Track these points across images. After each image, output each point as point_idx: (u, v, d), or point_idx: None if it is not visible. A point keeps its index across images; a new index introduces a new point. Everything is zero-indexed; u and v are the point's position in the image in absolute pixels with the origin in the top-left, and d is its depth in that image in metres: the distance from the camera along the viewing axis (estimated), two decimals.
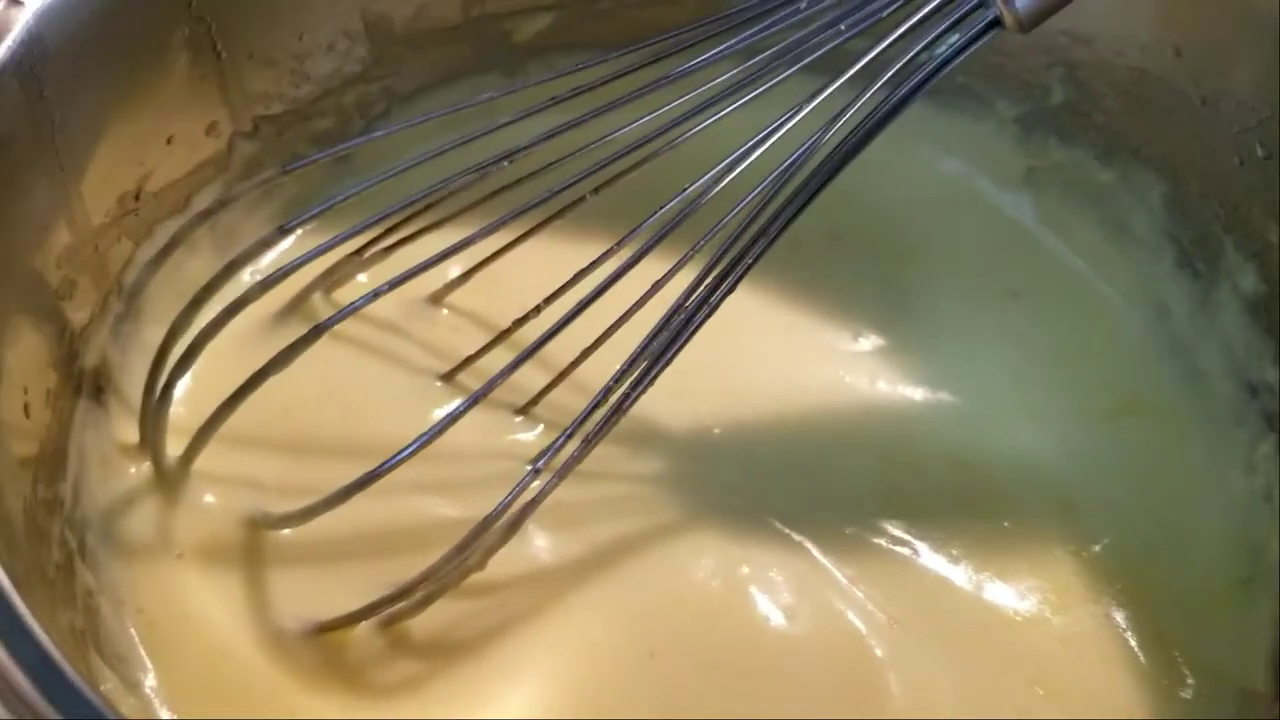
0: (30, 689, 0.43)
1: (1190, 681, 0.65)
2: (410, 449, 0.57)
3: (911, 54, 0.59)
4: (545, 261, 0.68)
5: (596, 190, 0.67)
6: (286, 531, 0.63)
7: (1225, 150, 0.70)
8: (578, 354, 0.67)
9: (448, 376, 0.71)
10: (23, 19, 0.54)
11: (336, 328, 0.70)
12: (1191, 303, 0.75)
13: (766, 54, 0.63)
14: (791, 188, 0.60)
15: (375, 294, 0.61)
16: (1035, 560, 0.68)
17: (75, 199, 0.60)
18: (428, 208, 0.68)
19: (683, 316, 0.60)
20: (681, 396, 0.70)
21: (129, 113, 0.62)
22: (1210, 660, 0.65)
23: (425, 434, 0.58)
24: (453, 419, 0.58)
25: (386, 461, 0.58)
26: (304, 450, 0.67)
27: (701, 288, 0.61)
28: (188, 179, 0.68)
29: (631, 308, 0.65)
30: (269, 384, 0.61)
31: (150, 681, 0.59)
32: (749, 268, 0.61)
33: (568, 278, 0.67)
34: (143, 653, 0.60)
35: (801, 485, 0.70)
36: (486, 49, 0.79)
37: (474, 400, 0.59)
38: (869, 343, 0.76)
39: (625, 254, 0.64)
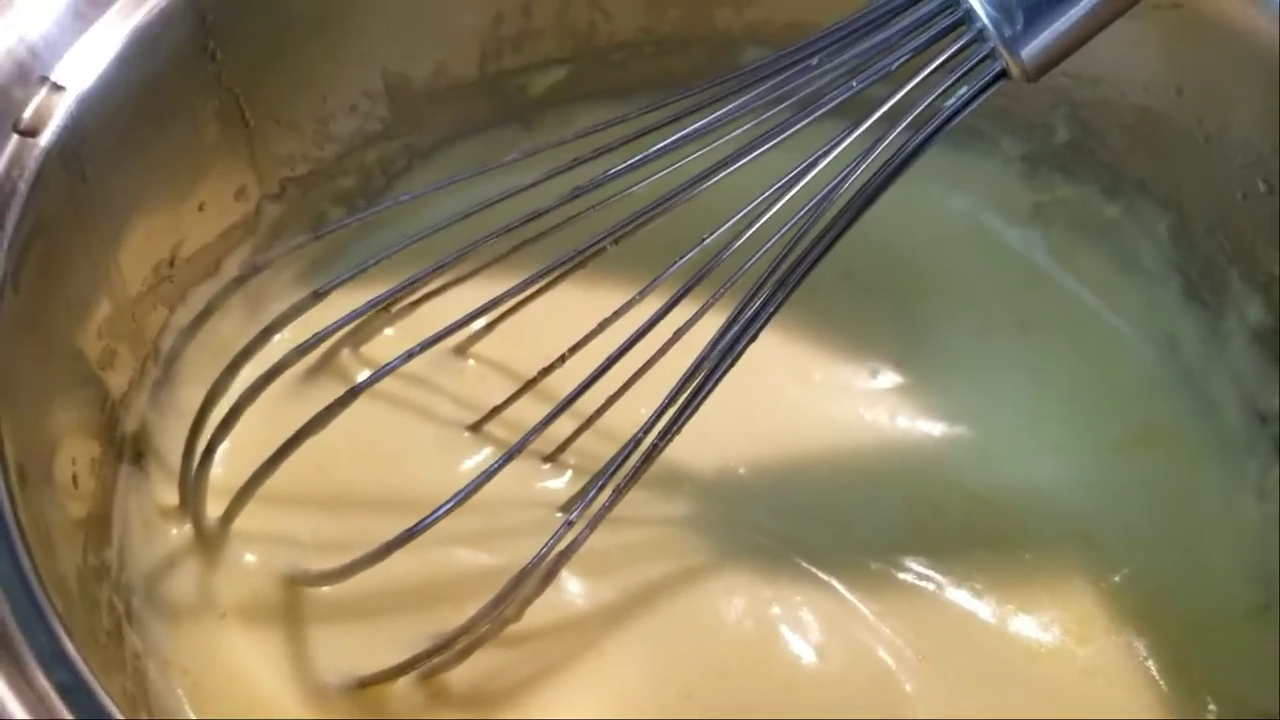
0: None
1: (1212, 707, 0.66)
2: (448, 505, 0.59)
3: (922, 106, 0.60)
4: (567, 310, 0.69)
5: (617, 240, 0.69)
6: (326, 589, 0.65)
7: (1228, 185, 0.72)
8: (603, 401, 0.68)
9: (475, 427, 0.72)
10: (64, 105, 0.56)
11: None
12: (1200, 333, 0.76)
13: (780, 108, 0.65)
14: (811, 236, 0.61)
15: (409, 355, 0.62)
16: (1057, 592, 0.70)
17: (114, 271, 0.61)
18: (452, 265, 0.69)
19: (709, 365, 0.62)
20: (706, 439, 0.71)
21: (164, 184, 0.64)
22: (1231, 686, 0.67)
23: (462, 490, 0.59)
24: (489, 475, 0.60)
25: (425, 519, 0.59)
26: (339, 506, 0.68)
27: (727, 336, 0.62)
28: (218, 243, 0.70)
29: (655, 355, 0.66)
30: None
31: None
32: (771, 316, 0.62)
33: (590, 325, 0.68)
34: (190, 712, 0.61)
35: (826, 523, 0.71)
36: (504, 103, 0.80)
37: (510, 456, 0.60)
38: (887, 379, 0.77)
39: (648, 303, 0.65)
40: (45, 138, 0.54)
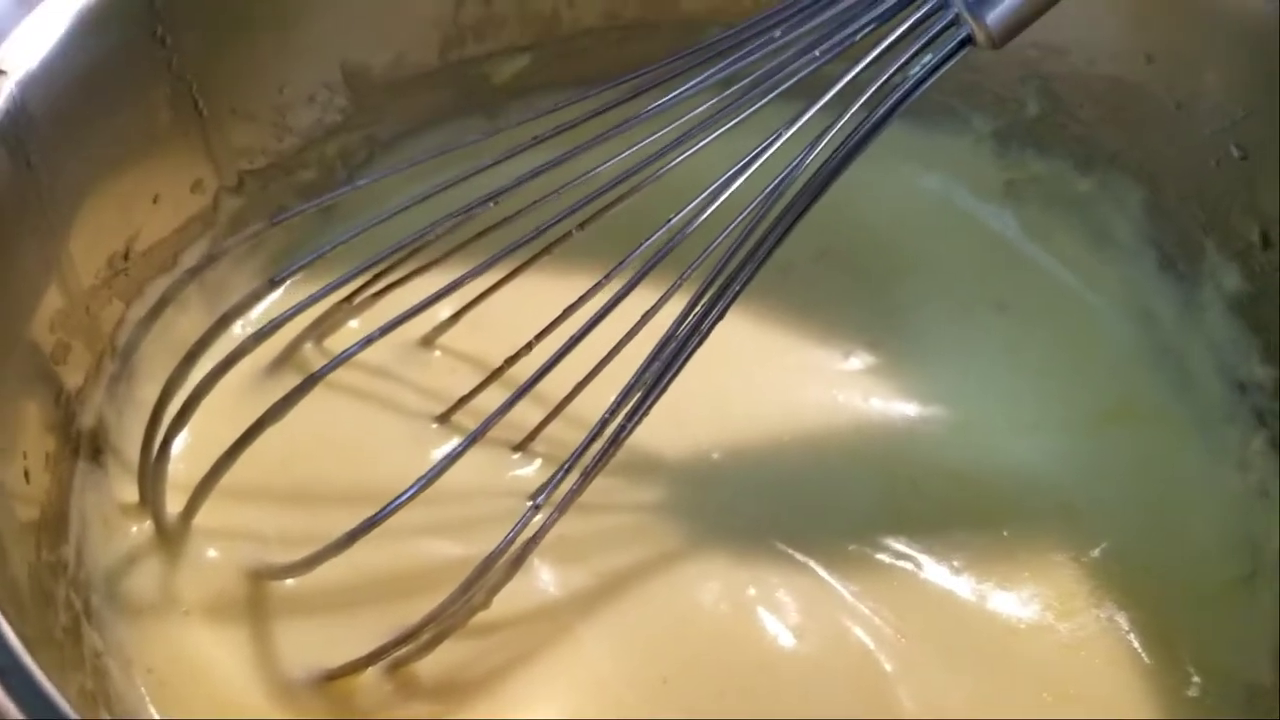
0: None
1: (1196, 680, 0.65)
2: (410, 492, 0.58)
3: (886, 75, 0.59)
4: (535, 298, 0.68)
5: (582, 226, 0.68)
6: (291, 582, 0.63)
7: (1201, 153, 0.71)
8: (571, 388, 0.68)
9: (443, 418, 0.71)
10: (6, 88, 0.54)
11: (330, 376, 0.71)
12: (1176, 305, 0.75)
13: (743, 83, 0.64)
14: (775, 213, 0.60)
15: (368, 340, 0.61)
16: (1037, 568, 0.69)
17: (66, 262, 0.60)
18: (415, 252, 0.68)
19: (674, 346, 0.61)
20: (678, 424, 0.71)
21: (115, 174, 0.63)
22: (1215, 658, 0.66)
23: (424, 476, 0.58)
24: (451, 460, 0.59)
25: (387, 506, 0.58)
26: (304, 500, 0.67)
27: (691, 316, 0.61)
28: (175, 237, 0.69)
29: (622, 339, 0.66)
30: (266, 435, 0.62)
31: None
32: (737, 294, 0.61)
33: (557, 313, 0.67)
34: (154, 711, 0.60)
35: (802, 505, 0.70)
36: (467, 92, 0.79)
37: (472, 440, 0.59)
38: (860, 361, 0.77)
39: (614, 287, 0.64)
40: None
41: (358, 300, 0.70)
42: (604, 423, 0.60)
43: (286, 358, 0.71)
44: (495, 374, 0.70)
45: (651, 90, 0.63)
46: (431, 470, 0.58)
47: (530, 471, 0.70)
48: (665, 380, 0.61)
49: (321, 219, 0.74)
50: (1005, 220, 0.82)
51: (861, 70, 0.60)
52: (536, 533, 0.59)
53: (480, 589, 0.59)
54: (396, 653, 0.60)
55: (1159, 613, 0.67)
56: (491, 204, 0.66)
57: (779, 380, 0.75)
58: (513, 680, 0.62)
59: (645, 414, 0.61)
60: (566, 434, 0.68)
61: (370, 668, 0.61)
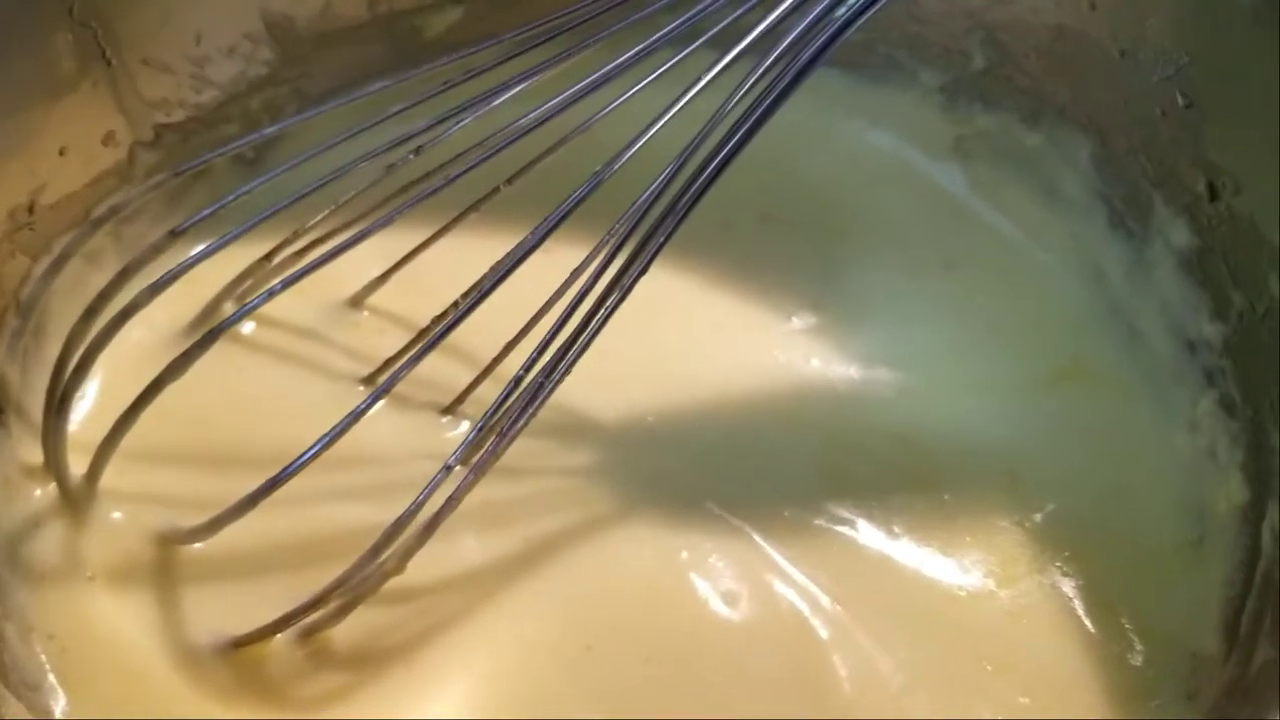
0: None
1: (1140, 648, 0.63)
2: (312, 450, 0.56)
3: (808, 20, 0.57)
4: (466, 259, 0.66)
5: (510, 181, 0.66)
6: (200, 547, 0.61)
7: (1147, 102, 0.69)
8: (500, 349, 0.66)
9: (370, 379, 0.69)
10: None
11: (253, 335, 0.70)
12: (1126, 263, 0.74)
13: (668, 29, 0.62)
14: (695, 164, 0.58)
15: (270, 293, 0.59)
16: (979, 533, 0.67)
17: None
18: (336, 209, 0.66)
19: (594, 302, 0.59)
20: (613, 385, 0.69)
21: (12, 123, 0.60)
22: (1160, 625, 0.64)
23: (330, 431, 0.56)
24: (357, 415, 0.57)
25: (289, 465, 0.56)
26: (220, 462, 0.65)
27: (611, 271, 0.59)
28: (87, 191, 0.67)
29: (551, 297, 0.64)
30: (181, 396, 0.60)
31: (62, 709, 0.57)
32: (660, 246, 0.59)
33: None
34: (54, 680, 0.58)
35: (739, 468, 0.68)
36: (397, 46, 0.77)
37: (380, 393, 0.57)
38: (803, 321, 0.75)
39: (534, 242, 0.62)
40: None
41: (278, 259, 0.68)
42: (518, 380, 0.58)
43: (205, 318, 0.69)
44: (422, 334, 0.68)
45: (565, 35, 0.60)
46: (336, 426, 0.56)
47: (458, 434, 0.68)
48: (585, 336, 0.59)
49: (246, 174, 0.72)
50: (953, 177, 0.80)
51: (786, 14, 0.58)
52: (452, 495, 0.57)
53: (394, 553, 0.57)
54: (306, 619, 0.58)
55: (1103, 579, 0.66)
56: (412, 155, 0.64)
57: (718, 341, 0.74)
58: (430, 648, 0.61)
59: (566, 372, 0.59)
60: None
61: (280, 635, 0.59)
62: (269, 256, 0.68)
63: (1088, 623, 0.64)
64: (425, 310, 0.68)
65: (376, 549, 0.56)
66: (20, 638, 0.58)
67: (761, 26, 0.58)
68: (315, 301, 0.71)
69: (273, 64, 0.73)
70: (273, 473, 0.57)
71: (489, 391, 0.67)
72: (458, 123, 0.63)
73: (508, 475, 0.63)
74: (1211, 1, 0.64)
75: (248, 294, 0.70)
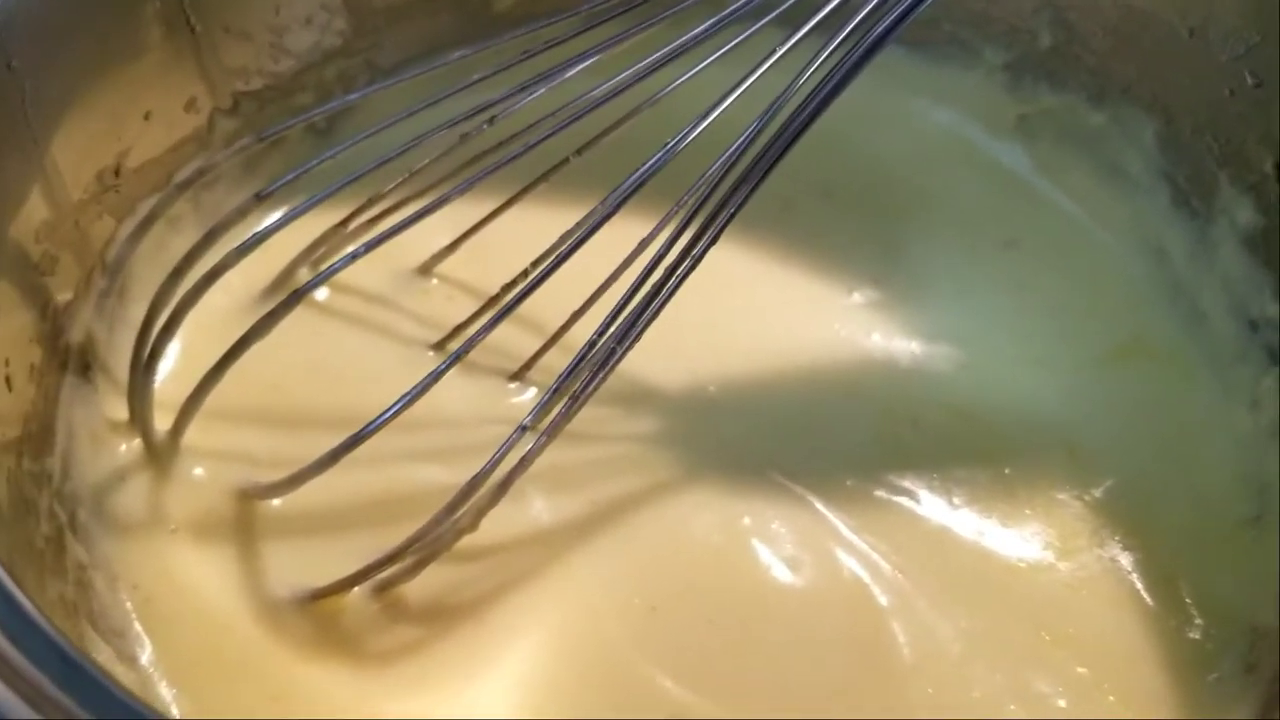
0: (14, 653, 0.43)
1: (1199, 621, 0.64)
2: (391, 411, 0.57)
3: None
4: (535, 227, 0.67)
5: (580, 152, 0.67)
6: (279, 503, 0.63)
7: (1215, 81, 0.69)
8: (568, 316, 0.67)
9: (439, 345, 0.70)
10: None
11: (327, 301, 0.71)
12: (1189, 242, 0.74)
13: (740, 4, 0.63)
14: (766, 139, 0.59)
15: (353, 256, 0.61)
16: (1039, 506, 0.68)
17: (52, 173, 0.59)
18: (410, 177, 0.68)
19: (665, 271, 0.60)
20: (677, 355, 0.70)
21: (102, 87, 0.62)
22: (1218, 599, 0.64)
23: (406, 394, 0.57)
24: (434, 378, 0.58)
25: (369, 424, 0.57)
26: (296, 423, 0.67)
27: (682, 241, 0.60)
28: (169, 155, 0.68)
29: (619, 267, 0.65)
30: (259, 358, 0.61)
31: (147, 656, 0.59)
32: (730, 218, 0.59)
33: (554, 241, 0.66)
34: (139, 628, 0.59)
35: (801, 439, 0.69)
36: (469, 18, 0.78)
37: (453, 360, 0.59)
38: (864, 296, 0.75)
39: (605, 212, 0.63)
40: None
41: (352, 226, 0.69)
42: (591, 345, 0.59)
43: (281, 283, 0.71)
44: (491, 301, 0.69)
45: (642, 7, 0.61)
46: (414, 388, 0.58)
47: (525, 400, 0.69)
48: (655, 305, 0.60)
49: (320, 145, 0.74)
50: (1016, 155, 0.80)
51: None
52: (525, 456, 0.58)
53: (467, 511, 0.58)
54: (382, 573, 0.59)
55: (1163, 553, 0.66)
56: (486, 125, 0.65)
57: (781, 314, 0.74)
58: (500, 605, 0.62)
59: (636, 339, 0.60)
60: (564, 363, 0.66)
61: (356, 588, 0.60)
62: (344, 223, 0.69)
63: (1146, 596, 0.65)
64: (493, 278, 0.70)
65: (452, 506, 0.57)
66: (107, 586, 0.59)
67: (833, 3, 0.58)
68: (386, 268, 0.72)
69: (346, 34, 0.75)
70: (346, 433, 0.59)
71: (554, 359, 0.68)
72: (531, 93, 0.64)
73: (574, 440, 0.64)
74: None
75: (322, 260, 0.71)
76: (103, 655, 0.56)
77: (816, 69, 0.59)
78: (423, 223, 0.66)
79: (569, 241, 0.62)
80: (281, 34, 0.71)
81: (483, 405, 0.68)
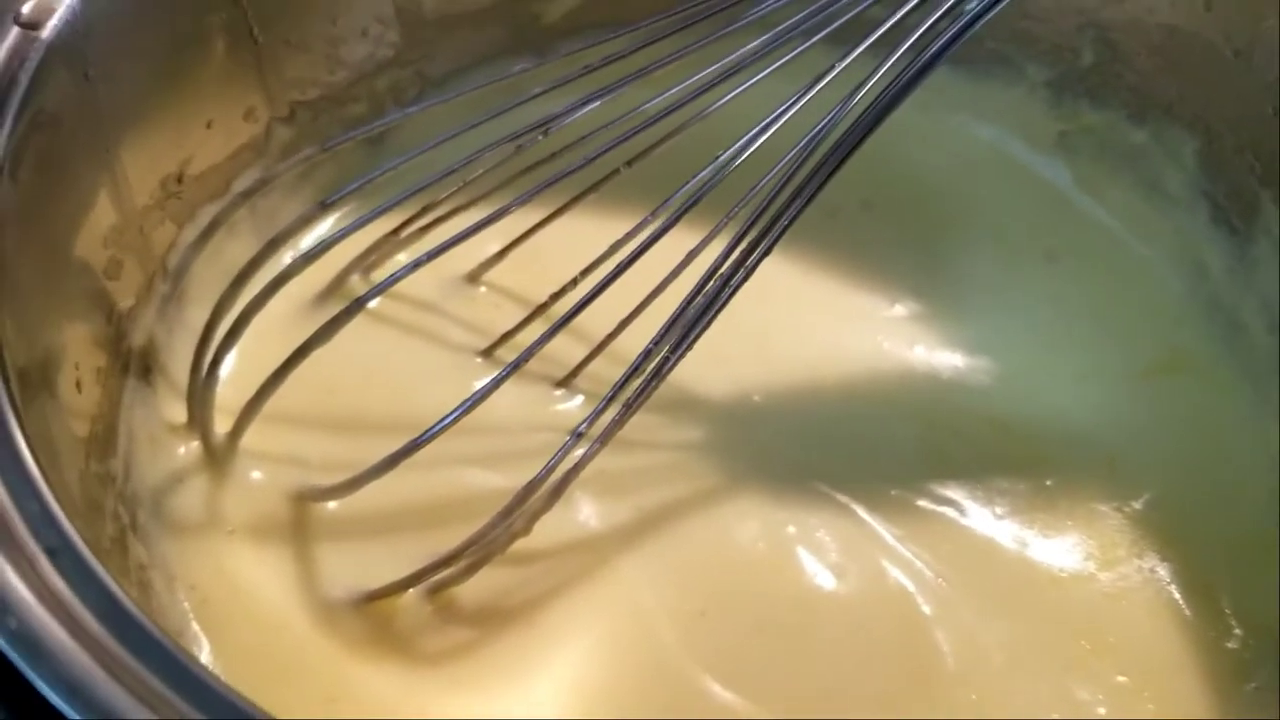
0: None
1: (1237, 632, 0.65)
2: (450, 418, 0.58)
3: (935, 17, 0.59)
4: (583, 237, 0.68)
5: (630, 163, 0.68)
6: (334, 506, 0.64)
7: (1258, 101, 0.70)
8: (615, 325, 0.68)
9: (487, 352, 0.71)
10: (67, 0, 0.55)
11: (377, 308, 0.72)
12: (1229, 259, 0.75)
13: (791, 22, 0.64)
14: (821, 153, 0.60)
15: (415, 264, 0.62)
16: (1079, 517, 0.68)
17: (120, 180, 0.61)
18: (463, 186, 0.69)
19: (718, 281, 0.61)
20: (721, 364, 0.71)
21: (170, 96, 0.63)
22: (1257, 610, 0.65)
23: (464, 403, 0.58)
24: (493, 385, 0.59)
25: (427, 431, 0.58)
26: (349, 428, 0.68)
27: (736, 252, 0.61)
28: (227, 163, 0.69)
29: (667, 277, 0.66)
30: (313, 364, 0.62)
31: (205, 656, 0.60)
32: (783, 231, 0.61)
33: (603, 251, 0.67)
34: (197, 628, 0.61)
35: (844, 449, 0.70)
36: (517, 31, 0.79)
37: (512, 369, 0.59)
38: (905, 309, 0.76)
39: (659, 225, 0.64)
40: (47, 32, 0.54)
41: (405, 233, 0.70)
42: (647, 354, 0.60)
43: (335, 289, 0.72)
44: (539, 310, 0.70)
45: (699, 25, 0.62)
46: (471, 397, 0.59)
47: (573, 407, 0.70)
48: (709, 315, 0.61)
49: (373, 153, 0.75)
50: (1057, 171, 0.81)
51: (909, 12, 0.60)
52: (578, 462, 0.59)
53: (521, 515, 0.59)
54: (437, 576, 0.60)
55: (1201, 564, 0.67)
56: (540, 135, 0.66)
57: (823, 324, 0.75)
58: (552, 608, 0.63)
59: (688, 348, 0.61)
60: (609, 371, 0.68)
61: (411, 590, 0.61)
62: (396, 231, 0.70)
63: (1185, 607, 0.66)
64: (540, 287, 0.71)
65: (507, 510, 0.58)
66: (165, 587, 0.60)
67: (890, 22, 0.60)
68: (434, 275, 0.73)
69: (398, 46, 0.76)
70: (399, 437, 0.60)
71: (601, 366, 0.69)
72: (587, 105, 0.65)
73: (621, 446, 0.64)
74: None
75: (374, 267, 0.72)
76: None
77: (871, 88, 0.60)
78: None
79: (624, 255, 0.63)
80: (337, 45, 0.73)
81: (530, 411, 0.69)
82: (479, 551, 0.60)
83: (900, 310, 0.76)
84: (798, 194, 0.60)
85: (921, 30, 0.59)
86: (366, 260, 0.72)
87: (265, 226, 0.71)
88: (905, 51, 0.59)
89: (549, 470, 0.58)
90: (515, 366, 0.60)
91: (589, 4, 0.80)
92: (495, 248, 0.73)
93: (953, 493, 0.69)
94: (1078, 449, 0.71)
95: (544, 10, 0.80)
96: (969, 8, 0.59)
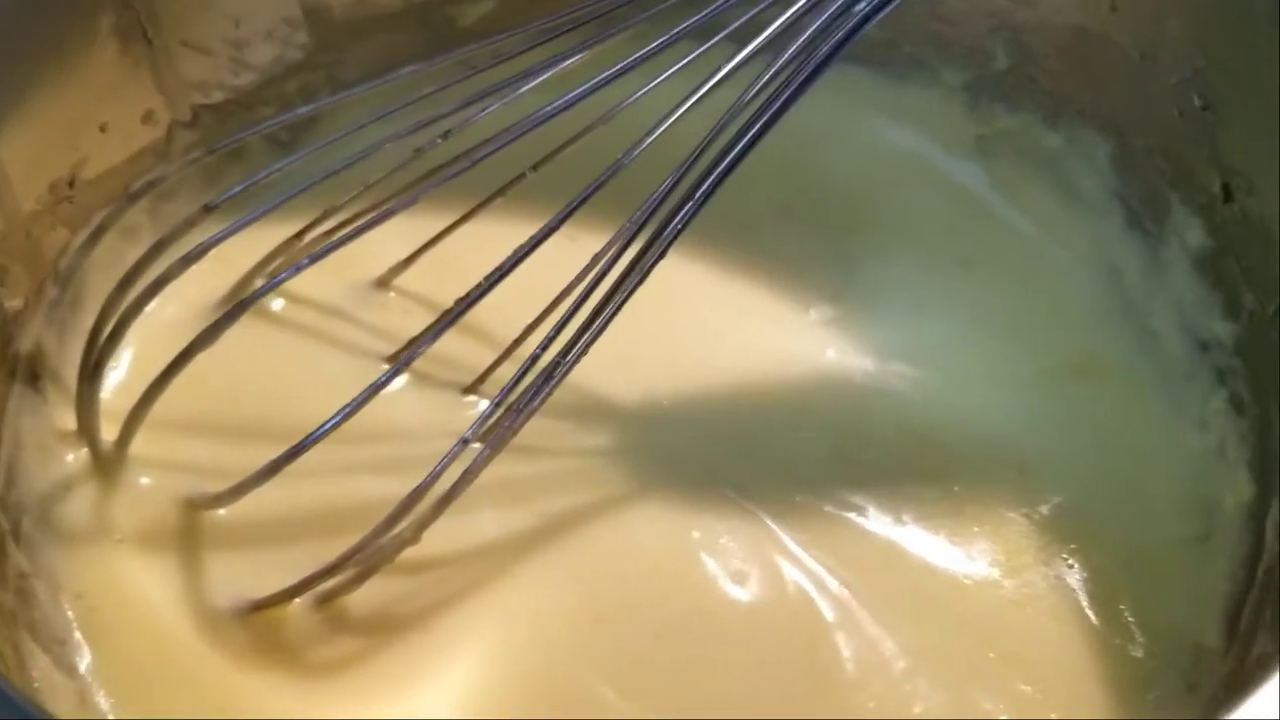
0: None
1: (1141, 639, 0.64)
2: (330, 423, 0.57)
3: (824, 18, 0.58)
4: (491, 243, 0.67)
5: (535, 167, 0.67)
6: (226, 513, 0.63)
7: (1165, 103, 0.70)
8: (521, 330, 0.67)
9: (394, 358, 0.70)
10: None
11: (283, 313, 0.72)
12: (1142, 262, 0.74)
13: (690, 22, 0.63)
14: (711, 155, 0.59)
15: (297, 268, 0.61)
16: (986, 523, 0.68)
17: (2, 184, 0.60)
18: (364, 190, 0.68)
19: (611, 283, 0.60)
20: (631, 370, 0.70)
21: (56, 98, 0.62)
22: (1162, 617, 0.65)
23: (348, 405, 0.58)
24: (376, 388, 0.58)
25: (311, 434, 0.57)
26: (246, 434, 0.67)
27: (629, 253, 0.60)
28: (125, 167, 0.69)
29: (573, 281, 0.65)
30: (211, 369, 0.62)
31: (87, 665, 0.59)
32: (677, 233, 0.60)
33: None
34: (79, 636, 0.60)
35: (753, 455, 0.69)
36: (431, 35, 0.79)
37: (397, 370, 0.59)
38: (820, 314, 0.76)
39: (566, 228, 0.64)
40: None
41: (307, 239, 0.70)
42: (534, 359, 0.59)
43: (235, 294, 0.71)
44: (445, 315, 0.70)
45: (590, 25, 0.62)
46: (355, 400, 0.58)
47: (479, 413, 0.68)
48: (602, 319, 0.60)
49: (280, 156, 0.73)
50: (974, 175, 0.80)
51: (804, 10, 0.59)
52: (468, 469, 0.58)
53: (409, 524, 0.58)
54: (323, 584, 0.59)
55: (1108, 571, 0.66)
56: (440, 139, 0.65)
57: (736, 330, 0.75)
58: (445, 616, 0.62)
59: (582, 353, 0.60)
60: None
61: (299, 600, 0.60)
62: (299, 236, 0.69)
63: (1091, 614, 0.65)
64: (451, 292, 0.69)
65: (392, 519, 0.58)
66: (50, 596, 0.60)
67: (780, 21, 0.59)
68: (343, 281, 0.73)
69: (308, 49, 0.75)
70: (295, 444, 0.59)
71: (509, 372, 0.68)
72: (484, 108, 0.64)
73: (526, 454, 0.65)
74: (1230, 5, 0.64)
75: (277, 272, 0.71)
76: (40, 664, 0.56)
77: (764, 86, 0.59)
78: (382, 236, 0.67)
79: (517, 255, 0.63)
80: (241, 48, 0.72)
81: (436, 418, 0.68)
82: (366, 560, 0.59)
83: (815, 315, 0.76)
84: (689, 196, 0.60)
85: (811, 31, 0.58)
86: (268, 266, 0.71)
87: (165, 231, 0.70)
88: (796, 52, 0.58)
89: (434, 477, 0.58)
90: (398, 370, 0.59)
91: (503, 8, 0.79)
92: (404, 253, 0.72)
93: (860, 499, 0.68)
94: (988, 454, 0.70)
95: (458, 14, 0.79)
96: (858, 9, 0.58)
